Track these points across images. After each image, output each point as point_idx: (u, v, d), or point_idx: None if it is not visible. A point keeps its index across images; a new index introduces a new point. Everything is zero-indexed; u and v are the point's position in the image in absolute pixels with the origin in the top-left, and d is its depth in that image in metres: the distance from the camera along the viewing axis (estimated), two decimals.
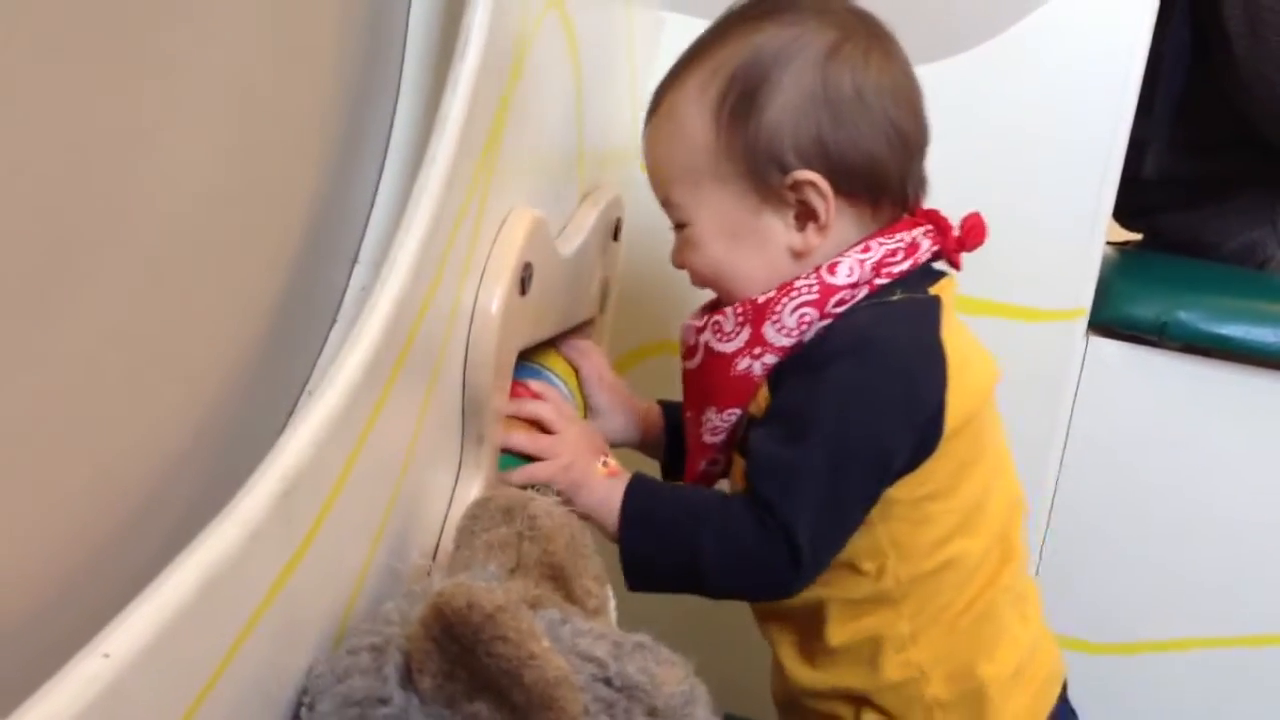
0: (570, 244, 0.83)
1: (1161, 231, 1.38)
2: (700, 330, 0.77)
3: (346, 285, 0.66)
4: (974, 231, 0.77)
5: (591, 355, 0.89)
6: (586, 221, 0.86)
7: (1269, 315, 1.05)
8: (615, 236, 0.96)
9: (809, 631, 0.78)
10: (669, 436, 0.90)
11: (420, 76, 0.66)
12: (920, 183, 0.79)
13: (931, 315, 0.74)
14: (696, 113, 0.76)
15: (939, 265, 0.79)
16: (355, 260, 0.66)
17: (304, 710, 0.50)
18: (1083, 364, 1.08)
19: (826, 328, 0.74)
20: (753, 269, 0.75)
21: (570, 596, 0.58)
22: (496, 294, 0.67)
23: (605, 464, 0.76)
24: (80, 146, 0.40)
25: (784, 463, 0.72)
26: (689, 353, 0.79)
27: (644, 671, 0.52)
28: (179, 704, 0.40)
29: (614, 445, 0.89)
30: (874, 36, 0.76)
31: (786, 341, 0.74)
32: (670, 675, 0.53)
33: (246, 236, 0.54)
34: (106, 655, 0.36)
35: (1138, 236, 1.47)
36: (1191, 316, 1.05)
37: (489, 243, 0.68)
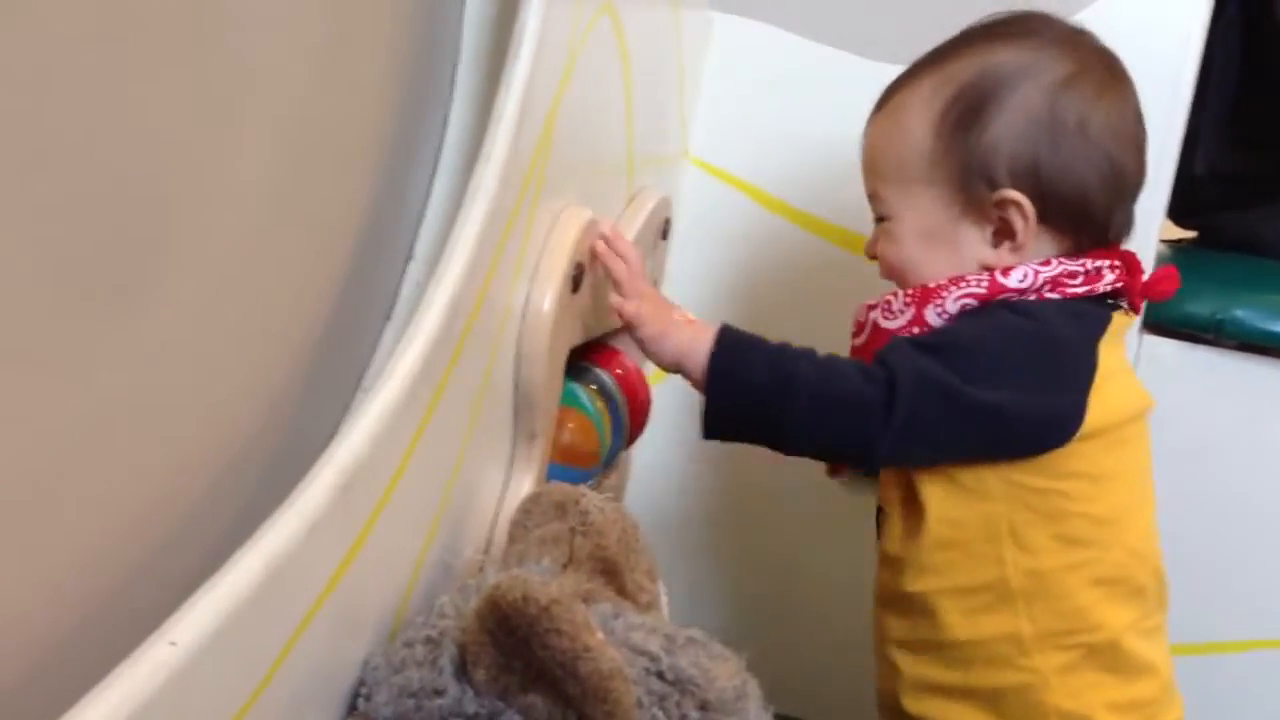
0: None
1: (1216, 230, 1.36)
2: (871, 308, 0.78)
3: (401, 282, 0.67)
4: (1165, 281, 0.78)
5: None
6: (635, 223, 0.87)
7: None
8: (664, 236, 0.96)
9: (926, 625, 0.76)
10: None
11: (474, 79, 0.66)
12: (1127, 224, 0.79)
13: (1097, 325, 0.75)
14: (920, 116, 0.77)
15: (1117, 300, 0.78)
16: (410, 257, 0.67)
17: (361, 700, 0.51)
18: (1137, 362, 1.06)
19: (998, 301, 0.74)
20: (939, 272, 0.76)
21: (622, 591, 0.59)
22: (548, 292, 0.68)
23: (687, 319, 0.76)
24: (154, 153, 0.41)
25: (915, 345, 0.73)
26: (857, 329, 0.80)
27: (696, 665, 0.52)
28: (242, 691, 0.41)
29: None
30: (1111, 75, 0.77)
31: (943, 324, 0.75)
32: (722, 670, 0.53)
33: (307, 235, 0.55)
34: (173, 643, 0.37)
35: (1191, 235, 1.45)
36: (1247, 314, 1.04)
37: (541, 241, 0.69)
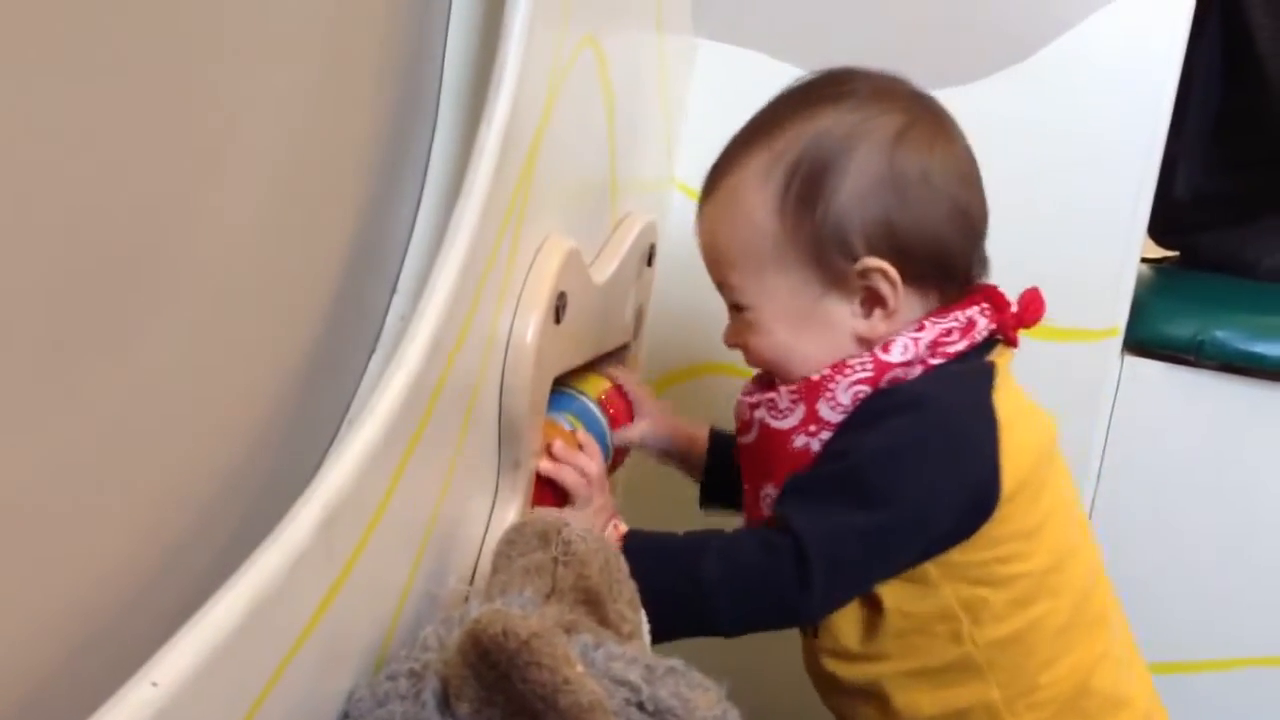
0: (604, 271, 0.84)
1: (1197, 250, 1.38)
2: (755, 407, 0.77)
3: (386, 314, 0.67)
4: (1031, 306, 0.77)
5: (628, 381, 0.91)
6: (620, 249, 0.87)
7: None
8: (649, 262, 0.97)
9: (892, 706, 0.76)
10: (711, 459, 0.91)
11: (456, 113, 0.67)
12: (983, 263, 0.78)
13: (984, 380, 0.74)
14: (758, 198, 0.75)
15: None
16: (394, 290, 0.68)
17: None
18: (1119, 383, 1.07)
19: (883, 391, 0.73)
20: (814, 354, 0.75)
21: (605, 621, 0.59)
22: (531, 323, 0.69)
23: (615, 527, 0.76)
24: (134, 181, 0.41)
25: (812, 483, 0.72)
26: (743, 428, 0.79)
27: (677, 696, 0.52)
28: None
29: (657, 447, 0.92)
30: (938, 120, 0.76)
31: (840, 418, 0.73)
32: (703, 699, 0.53)
33: (291, 268, 0.56)
34: (155, 684, 0.37)
35: (1173, 254, 1.46)
36: (1228, 335, 1.05)
37: (524, 272, 0.70)
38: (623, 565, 0.61)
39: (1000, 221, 0.80)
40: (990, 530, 0.72)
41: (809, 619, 0.74)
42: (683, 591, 0.71)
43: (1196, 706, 1.08)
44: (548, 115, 0.69)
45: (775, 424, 0.75)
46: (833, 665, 0.78)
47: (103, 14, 0.37)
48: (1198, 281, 1.28)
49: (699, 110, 1.11)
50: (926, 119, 0.75)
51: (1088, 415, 1.07)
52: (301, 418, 0.58)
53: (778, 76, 0.81)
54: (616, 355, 0.95)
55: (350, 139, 0.60)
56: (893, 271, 0.73)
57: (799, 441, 0.74)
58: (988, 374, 0.74)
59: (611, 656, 0.53)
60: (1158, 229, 1.42)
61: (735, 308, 0.78)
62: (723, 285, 0.79)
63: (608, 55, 0.80)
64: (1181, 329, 1.06)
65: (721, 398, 1.14)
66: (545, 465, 0.76)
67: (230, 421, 0.52)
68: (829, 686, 0.80)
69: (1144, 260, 1.19)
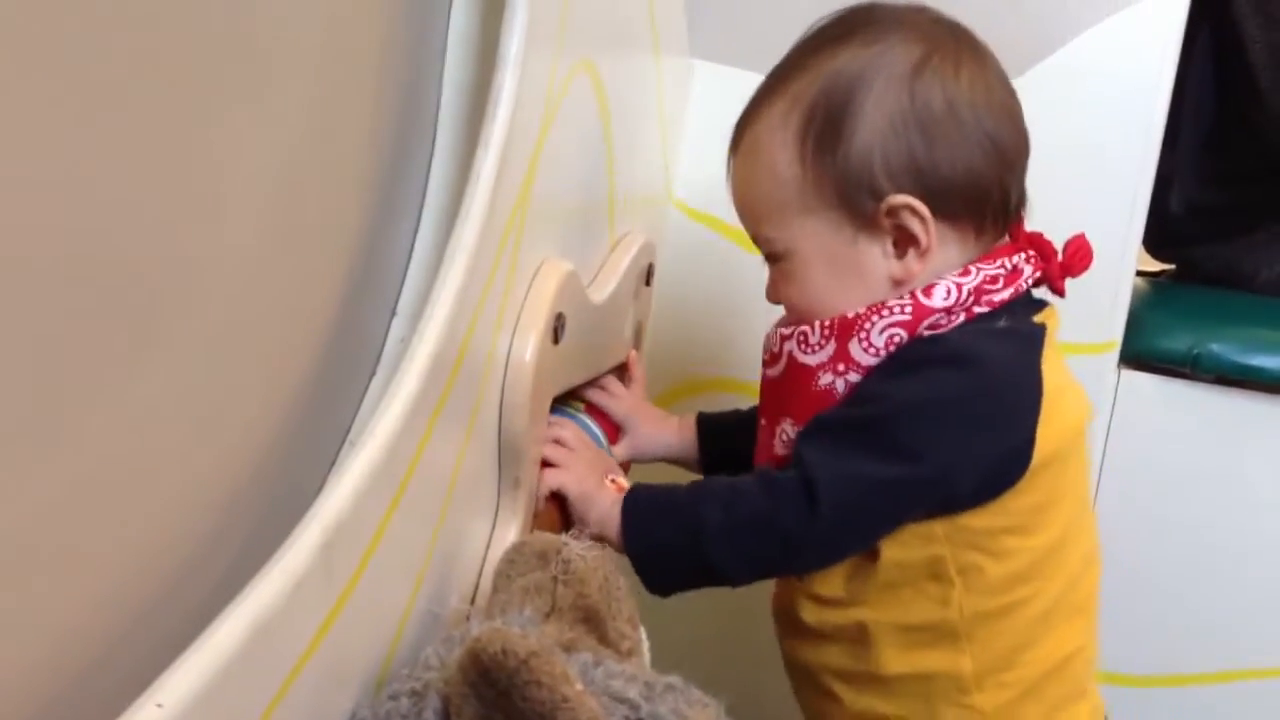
0: (602, 291, 0.85)
1: (1193, 263, 1.38)
2: (786, 338, 0.74)
3: (386, 337, 0.68)
4: (1079, 255, 0.74)
5: (610, 382, 0.91)
6: (618, 268, 0.88)
7: None
8: (647, 281, 0.98)
9: (862, 658, 0.75)
10: (705, 445, 0.90)
11: (454, 136, 0.68)
12: (1021, 196, 0.75)
13: (1035, 342, 0.72)
14: (780, 146, 0.73)
15: (1040, 293, 0.76)
16: (394, 312, 0.68)
17: None
18: (1115, 397, 1.08)
19: (926, 339, 0.70)
20: (852, 301, 0.72)
21: (604, 639, 0.60)
22: (530, 344, 0.69)
23: (614, 481, 0.77)
24: (132, 209, 0.42)
25: (835, 424, 0.70)
26: (772, 359, 0.76)
27: (676, 713, 0.53)
28: None
29: (646, 459, 0.92)
30: (964, 46, 0.73)
31: (871, 361, 0.71)
32: (702, 716, 0.54)
33: (290, 292, 0.57)
34: (160, 705, 0.38)
35: (1168, 267, 1.47)
36: (1223, 348, 1.05)
37: (522, 294, 0.71)
38: (622, 583, 0.62)
39: None
40: (1010, 500, 0.70)
41: (813, 564, 0.73)
42: (683, 541, 0.71)
43: (1194, 719, 1.09)
44: (544, 138, 0.70)
45: (803, 358, 0.73)
46: (808, 609, 0.76)
47: (98, 45, 0.38)
48: (1193, 295, 1.29)
49: (696, 130, 1.12)
50: (949, 45, 0.72)
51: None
52: (303, 440, 0.59)
53: None
54: (616, 373, 0.96)
55: (349, 163, 0.61)
56: (921, 207, 0.70)
57: (824, 379, 0.72)
58: (1039, 338, 0.72)
59: (610, 674, 0.54)
60: (1153, 242, 1.43)
61: (772, 259, 0.76)
62: (757, 238, 0.77)
63: (603, 78, 0.81)
64: (1177, 342, 1.07)
65: None
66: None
67: (231, 445, 0.53)
68: (793, 630, 0.78)
69: (1139, 274, 1.20)
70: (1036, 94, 1.05)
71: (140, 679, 0.39)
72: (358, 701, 0.53)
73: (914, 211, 0.70)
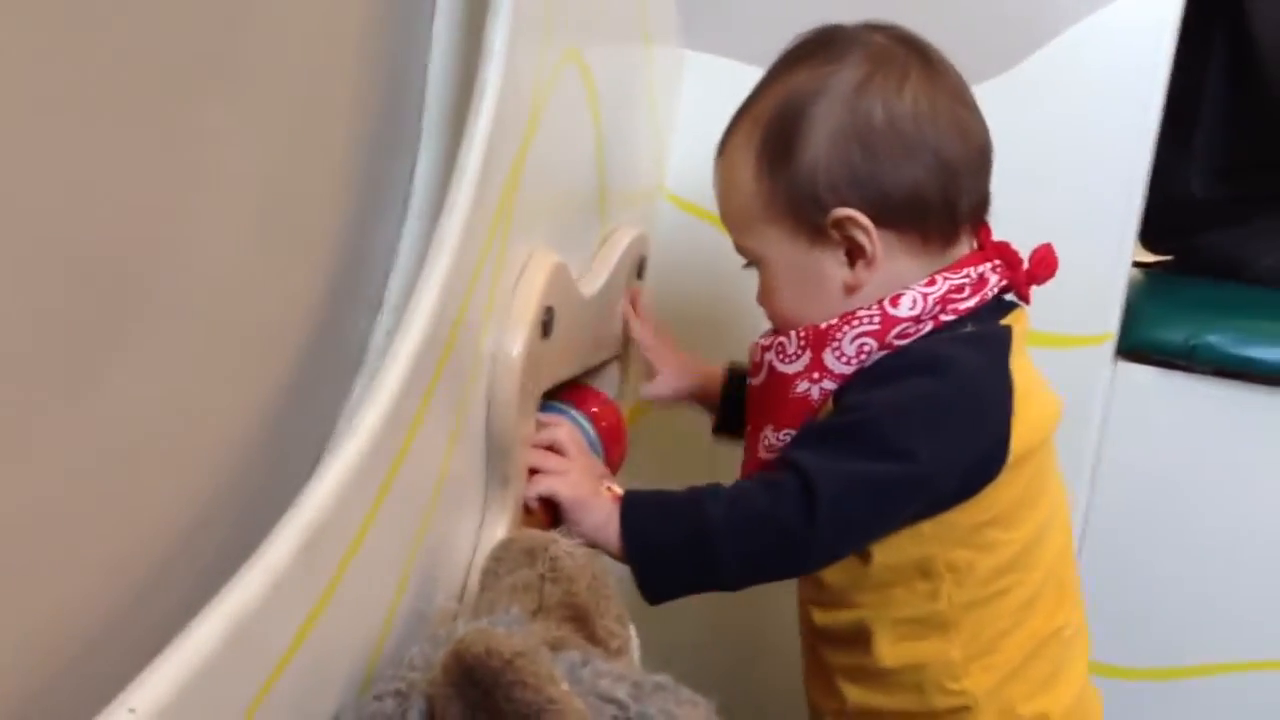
0: (593, 284, 0.84)
1: (1197, 250, 1.38)
2: (766, 349, 0.78)
3: (372, 332, 0.67)
4: (1044, 264, 0.78)
5: (644, 321, 0.94)
6: (609, 261, 0.88)
7: None
8: (640, 274, 0.97)
9: (861, 653, 0.78)
10: (726, 394, 0.93)
11: (439, 128, 0.67)
12: (979, 202, 0.78)
13: (1002, 345, 0.75)
14: (743, 161, 0.77)
15: (1010, 297, 0.79)
16: (380, 307, 0.68)
17: None
18: (1112, 389, 1.07)
19: (898, 349, 0.74)
20: (815, 308, 0.76)
21: (592, 637, 0.59)
22: (518, 338, 0.69)
23: (609, 489, 0.76)
24: (121, 198, 0.41)
25: (824, 432, 0.73)
26: (754, 369, 0.80)
27: (664, 712, 0.52)
28: None
29: (666, 399, 0.95)
30: (912, 61, 0.76)
31: (845, 369, 0.74)
32: (691, 715, 0.53)
33: (274, 287, 0.56)
34: (132, 710, 0.37)
35: (1166, 258, 1.46)
36: (1220, 339, 1.05)
37: (510, 287, 0.70)
38: (610, 581, 0.61)
39: (994, 228, 0.80)
40: (991, 495, 0.73)
41: (814, 560, 0.75)
42: (686, 544, 0.72)
43: (1191, 710, 1.08)
44: (532, 131, 0.69)
45: (781, 367, 0.77)
46: (817, 613, 0.80)
47: (81, 43, 0.37)
48: (1189, 286, 1.28)
49: (689, 122, 1.11)
50: (897, 62, 0.75)
51: (1082, 420, 1.07)
52: (288, 436, 0.58)
53: None
54: (609, 366, 0.95)
55: (334, 156, 0.60)
56: (863, 219, 0.73)
57: (801, 387, 0.76)
58: (1006, 340, 0.75)
59: (599, 673, 0.53)
60: (1158, 233, 1.42)
61: (752, 267, 0.81)
62: (736, 246, 0.81)
63: (592, 69, 0.80)
64: (1174, 334, 1.06)
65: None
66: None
67: (214, 442, 0.52)
68: (811, 633, 0.82)
69: (1136, 264, 1.19)
70: (1030, 85, 1.05)
71: (119, 682, 0.39)
72: (341, 703, 0.52)
73: (857, 223, 0.74)
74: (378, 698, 0.52)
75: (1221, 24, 1.32)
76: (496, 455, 0.70)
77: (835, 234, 0.74)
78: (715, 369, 0.95)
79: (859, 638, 0.77)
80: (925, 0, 1.06)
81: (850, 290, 0.75)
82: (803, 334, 0.76)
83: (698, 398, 0.96)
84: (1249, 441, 1.06)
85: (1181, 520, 1.07)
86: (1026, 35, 1.05)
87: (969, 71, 0.79)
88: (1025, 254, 0.79)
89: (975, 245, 0.78)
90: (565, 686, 0.47)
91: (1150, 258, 1.46)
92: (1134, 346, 1.08)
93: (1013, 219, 0.82)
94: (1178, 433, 1.07)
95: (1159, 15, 1.03)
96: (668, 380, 0.94)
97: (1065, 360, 1.06)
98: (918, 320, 0.74)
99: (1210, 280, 1.30)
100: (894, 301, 0.74)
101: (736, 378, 0.91)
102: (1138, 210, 1.05)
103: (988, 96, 1.04)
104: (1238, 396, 1.05)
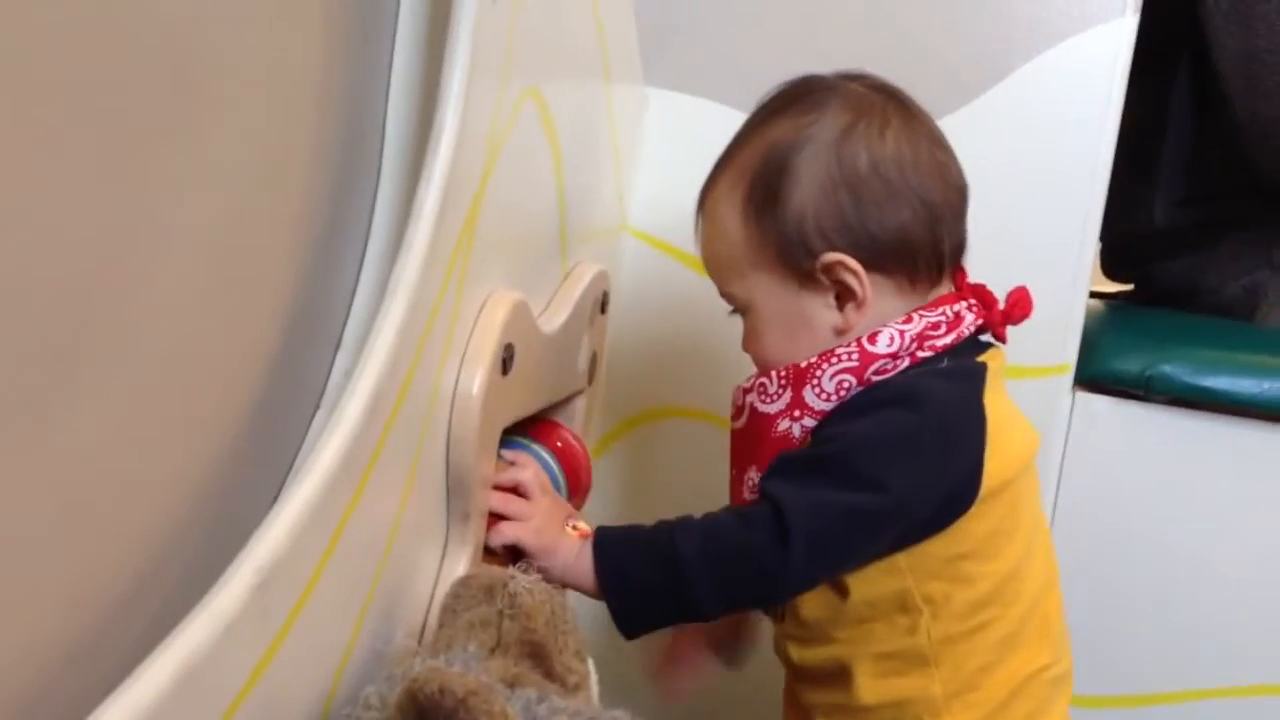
0: (554, 321, 0.84)
1: (1158, 279, 1.40)
2: (747, 391, 0.80)
3: (331, 370, 0.67)
4: (1019, 305, 0.79)
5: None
6: (570, 297, 0.88)
7: (1252, 366, 1.05)
8: (602, 310, 0.98)
9: (841, 691, 0.78)
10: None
11: (399, 169, 0.68)
12: (959, 244, 0.80)
13: (976, 379, 0.76)
14: (729, 211, 0.79)
15: (986, 338, 0.80)
16: (339, 346, 0.68)
17: None
18: (1070, 419, 1.09)
19: (875, 385, 0.75)
20: (803, 351, 0.77)
21: (550, 674, 0.59)
22: (477, 376, 0.69)
23: (575, 528, 0.77)
24: (76, 236, 0.41)
25: (798, 463, 0.74)
26: (736, 413, 0.81)
27: None
28: None
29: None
30: (891, 109, 0.78)
31: (825, 406, 0.76)
32: None
33: (232, 324, 0.56)
34: None
35: (1125, 288, 1.49)
36: (1176, 370, 1.06)
37: (469, 325, 0.70)
38: (570, 617, 0.62)
39: None
40: (965, 527, 0.74)
41: (787, 590, 0.75)
42: (662, 575, 0.73)
43: None
44: (490, 169, 0.70)
45: (763, 408, 0.78)
46: (794, 649, 0.80)
47: (41, 78, 0.38)
48: (1147, 317, 1.30)
49: (652, 158, 1.13)
50: (876, 109, 0.77)
51: (1041, 450, 1.08)
52: (245, 477, 0.58)
53: (731, 123, 0.83)
54: (572, 402, 0.96)
55: (292, 197, 0.61)
56: (854, 263, 0.75)
57: (783, 425, 0.77)
58: (980, 375, 0.76)
59: (555, 710, 0.54)
60: (1120, 261, 1.45)
61: (738, 313, 0.82)
62: (722, 294, 0.82)
63: (551, 107, 0.81)
64: (1130, 364, 1.07)
65: (679, 441, 1.16)
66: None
67: (168, 482, 0.52)
68: (790, 670, 0.82)
69: (1094, 295, 1.21)
70: (986, 121, 1.06)
71: None
72: None
73: (847, 267, 0.75)
74: None
75: (1184, 55, 1.35)
76: (457, 492, 0.70)
77: (825, 278, 0.76)
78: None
79: (839, 675, 0.78)
80: (880, 42, 1.08)
81: (840, 333, 0.77)
82: (783, 373, 0.77)
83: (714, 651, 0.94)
84: (1207, 470, 1.07)
85: (1141, 549, 1.08)
86: (981, 72, 1.06)
87: (924, 107, 0.80)
88: (987, 287, 0.81)
89: (952, 286, 0.80)
90: None
91: (1111, 287, 1.48)
92: (1091, 377, 1.09)
93: (970, 252, 0.83)
94: (1135, 462, 1.08)
95: (1112, 51, 1.04)
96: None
97: (1025, 390, 1.06)
98: (895, 357, 0.75)
99: (1169, 310, 1.32)
100: (872, 339, 0.75)
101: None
102: (1093, 242, 1.07)
103: (945, 132, 1.06)
104: (1194, 426, 1.07)
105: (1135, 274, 1.47)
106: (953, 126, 1.05)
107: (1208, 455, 1.07)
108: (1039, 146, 1.07)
